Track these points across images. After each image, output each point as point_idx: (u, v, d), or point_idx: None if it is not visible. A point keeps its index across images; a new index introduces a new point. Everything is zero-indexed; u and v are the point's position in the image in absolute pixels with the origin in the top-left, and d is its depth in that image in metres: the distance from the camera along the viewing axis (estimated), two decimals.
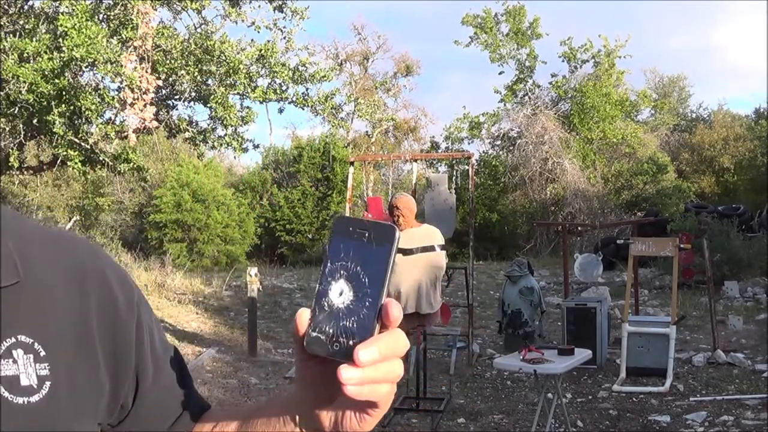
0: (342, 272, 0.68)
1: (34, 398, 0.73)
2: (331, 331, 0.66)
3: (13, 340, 0.73)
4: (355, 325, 0.66)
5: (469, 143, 25.87)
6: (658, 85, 34.60)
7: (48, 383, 0.74)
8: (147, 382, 0.86)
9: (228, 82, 9.28)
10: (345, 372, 0.64)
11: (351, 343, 0.66)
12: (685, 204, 19.98)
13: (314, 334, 0.67)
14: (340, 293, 0.67)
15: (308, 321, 0.68)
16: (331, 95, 9.97)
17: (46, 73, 7.65)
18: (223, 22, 9.44)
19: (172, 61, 9.15)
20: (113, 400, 0.82)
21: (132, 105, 7.79)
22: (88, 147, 8.76)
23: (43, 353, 0.75)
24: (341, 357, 0.66)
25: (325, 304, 0.67)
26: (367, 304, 0.66)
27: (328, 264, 0.69)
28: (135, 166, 9.37)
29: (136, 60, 7.97)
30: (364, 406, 0.68)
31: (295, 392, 0.75)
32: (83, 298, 0.80)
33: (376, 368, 0.65)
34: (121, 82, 8.10)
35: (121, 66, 7.74)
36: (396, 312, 0.67)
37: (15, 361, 0.73)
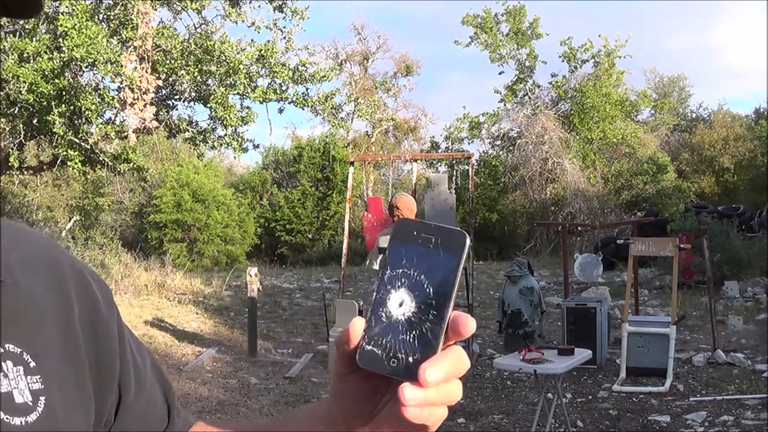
0: (403, 280, 0.62)
1: (32, 417, 0.64)
2: (388, 345, 0.61)
3: (0, 350, 0.64)
4: (416, 340, 0.61)
5: (469, 143, 25.89)
6: (658, 85, 34.61)
7: (43, 399, 0.66)
8: (130, 394, 0.76)
9: (228, 82, 9.28)
10: (408, 391, 0.58)
11: (411, 359, 0.60)
12: (685, 204, 19.98)
13: (369, 347, 0.61)
14: (400, 304, 0.61)
15: (362, 332, 0.62)
16: (331, 95, 9.98)
17: (46, 73, 7.65)
18: (223, 22, 9.45)
19: (172, 61, 9.15)
20: (98, 416, 0.72)
21: (132, 105, 7.79)
22: (88, 147, 8.76)
23: (33, 364, 0.66)
24: (399, 375, 0.60)
25: (383, 315, 0.62)
26: (431, 317, 0.61)
27: (388, 271, 0.63)
28: (135, 166, 9.38)
29: (136, 60, 7.97)
30: (411, 428, 0.60)
31: (328, 409, 0.68)
32: (65, 299, 0.72)
33: (439, 389, 0.59)
34: (121, 82, 8.10)
35: (121, 66, 7.75)
36: (471, 326, 0.61)
37: (6, 375, 0.64)
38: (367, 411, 0.64)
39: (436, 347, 0.60)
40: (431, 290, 0.61)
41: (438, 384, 0.59)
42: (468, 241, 0.62)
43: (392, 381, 0.62)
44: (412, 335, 0.61)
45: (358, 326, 0.62)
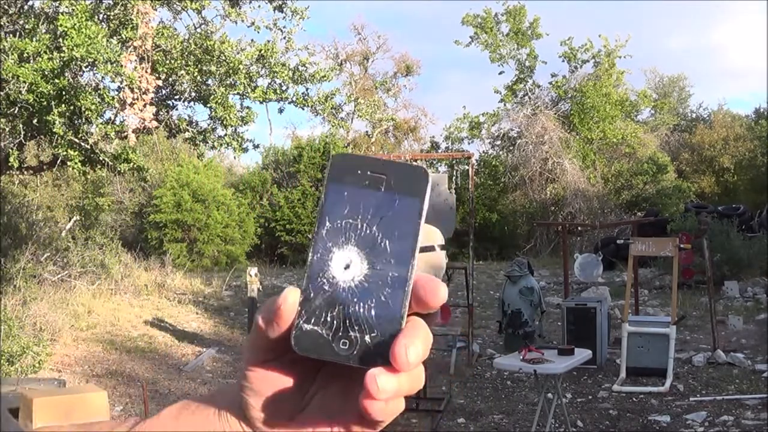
0: (349, 235, 0.48)
1: None
2: (335, 321, 0.47)
3: None
4: (373, 313, 0.47)
5: (469, 143, 25.89)
6: (658, 85, 34.59)
7: None
8: None
9: (228, 82, 9.27)
10: (383, 381, 0.45)
11: (369, 338, 0.47)
12: (685, 204, 19.99)
13: (308, 326, 0.47)
14: (346, 266, 0.47)
15: (297, 307, 0.47)
16: (331, 95, 9.96)
17: (46, 73, 7.64)
18: (223, 22, 9.43)
19: (172, 61, 9.15)
20: None
21: (132, 105, 7.78)
22: (88, 147, 8.75)
23: None
24: (355, 361, 0.47)
25: (325, 282, 0.47)
26: (390, 280, 0.47)
27: (326, 223, 0.48)
28: (135, 166, 9.37)
29: (136, 60, 7.96)
30: (364, 426, 0.49)
31: (239, 405, 0.52)
32: None
33: (411, 375, 0.47)
34: (121, 82, 8.09)
35: (121, 66, 7.74)
36: (442, 293, 0.48)
37: None
38: (292, 406, 0.51)
39: (401, 320, 0.47)
40: (387, 245, 0.47)
41: (414, 368, 0.47)
42: (430, 179, 0.49)
43: (321, 367, 0.49)
44: (367, 306, 0.47)
45: (291, 298, 0.47)
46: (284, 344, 0.48)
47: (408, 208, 0.48)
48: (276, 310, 0.47)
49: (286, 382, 0.50)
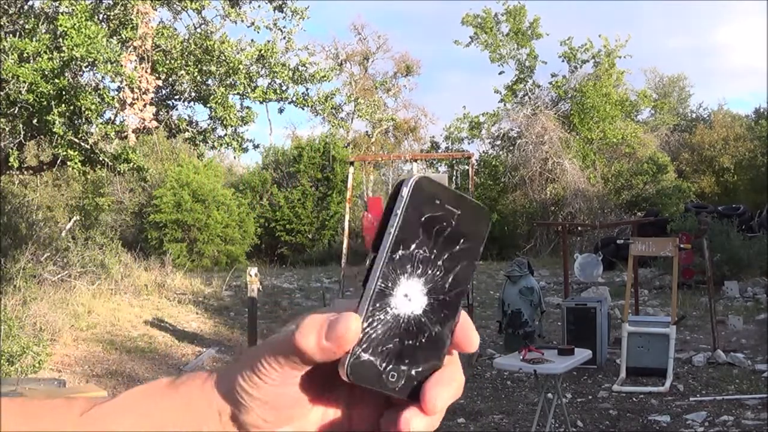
0: (417, 266, 0.45)
1: None
2: (390, 354, 0.45)
3: None
4: (421, 348, 0.46)
5: (469, 143, 25.88)
6: (658, 85, 34.61)
7: None
8: None
9: (228, 82, 9.27)
10: (416, 422, 0.45)
11: (414, 372, 0.46)
12: (685, 204, 20.00)
13: (366, 356, 0.45)
14: (406, 296, 0.45)
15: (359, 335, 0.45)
16: (331, 95, 9.96)
17: (46, 73, 7.64)
18: (223, 22, 9.43)
19: (172, 61, 9.14)
20: None
21: (132, 105, 7.78)
22: (88, 147, 8.75)
23: None
24: (395, 392, 0.45)
25: (388, 311, 0.45)
26: (443, 317, 0.46)
27: (399, 250, 0.45)
28: (135, 166, 9.36)
29: (136, 60, 7.96)
30: None
31: (235, 414, 0.50)
32: None
33: (440, 415, 0.47)
34: (121, 82, 8.09)
35: (121, 66, 7.73)
36: (475, 341, 0.50)
37: None
38: (293, 417, 0.50)
39: (441, 358, 0.47)
40: (448, 282, 0.46)
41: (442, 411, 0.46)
42: (489, 223, 0.48)
43: (327, 378, 0.48)
44: (419, 341, 0.46)
45: (354, 326, 0.45)
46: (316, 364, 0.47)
47: (470, 249, 0.47)
48: (338, 339, 0.45)
49: (298, 395, 0.49)
